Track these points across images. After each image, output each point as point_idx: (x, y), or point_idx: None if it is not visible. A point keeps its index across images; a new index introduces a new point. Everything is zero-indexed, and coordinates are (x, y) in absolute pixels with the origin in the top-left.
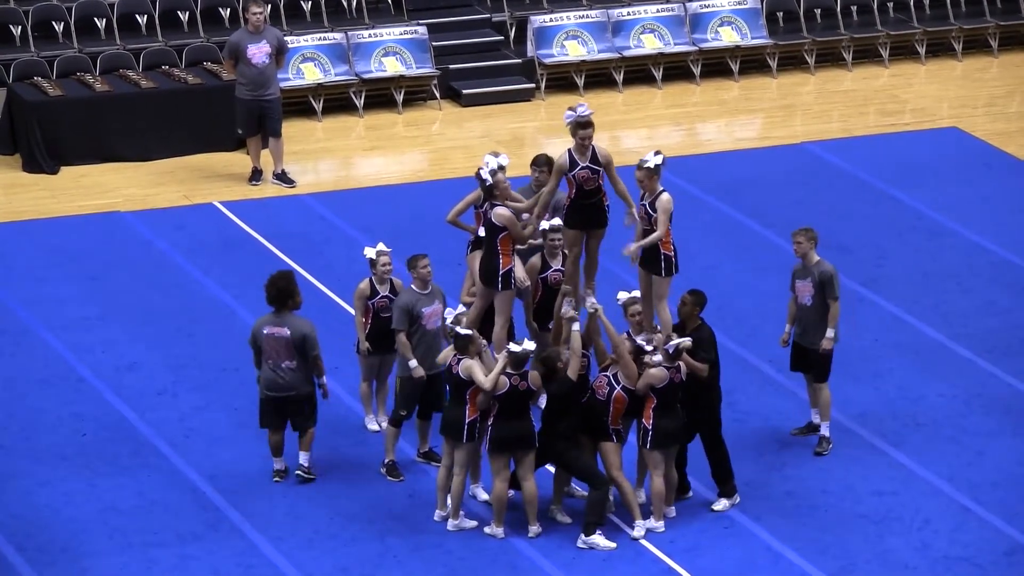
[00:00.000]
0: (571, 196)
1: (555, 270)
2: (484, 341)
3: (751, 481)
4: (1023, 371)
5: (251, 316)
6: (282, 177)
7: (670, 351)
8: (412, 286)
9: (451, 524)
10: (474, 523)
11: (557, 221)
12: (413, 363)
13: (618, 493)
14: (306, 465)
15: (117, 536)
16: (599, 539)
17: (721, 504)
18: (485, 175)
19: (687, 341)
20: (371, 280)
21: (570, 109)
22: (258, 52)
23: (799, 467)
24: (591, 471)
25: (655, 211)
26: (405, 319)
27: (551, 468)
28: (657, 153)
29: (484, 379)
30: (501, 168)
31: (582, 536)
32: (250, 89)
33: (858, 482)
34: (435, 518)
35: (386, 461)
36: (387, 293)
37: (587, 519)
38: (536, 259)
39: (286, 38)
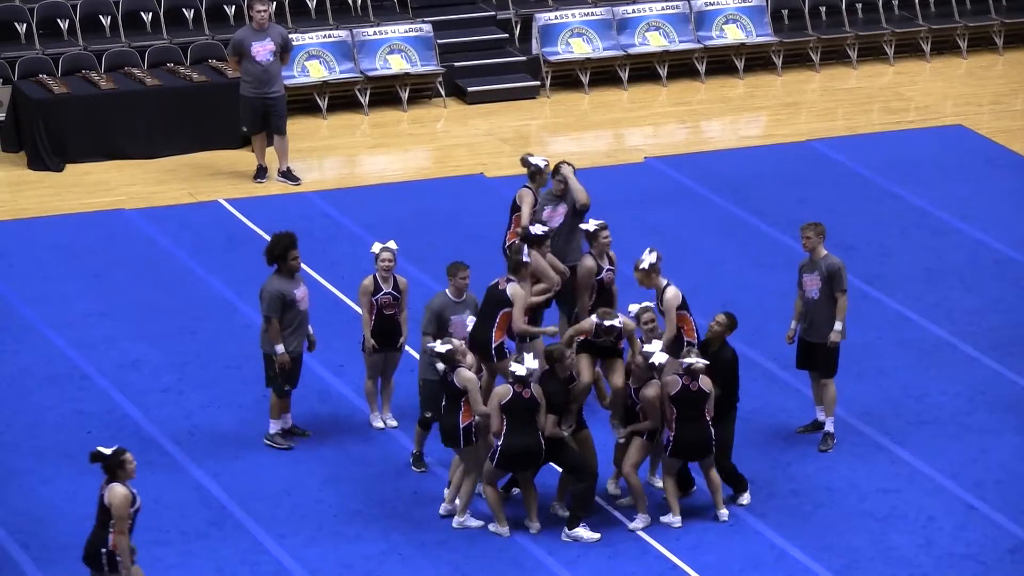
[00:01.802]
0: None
1: (608, 269)
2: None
3: (756, 479)
4: None
5: (255, 314)
6: (287, 175)
7: (683, 366)
8: (448, 292)
9: (456, 521)
10: (479, 523)
11: (600, 221)
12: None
13: (626, 486)
14: (270, 431)
15: None
16: (583, 531)
17: (744, 498)
18: (538, 161)
19: (700, 363)
20: (375, 277)
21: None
22: (262, 50)
23: (804, 464)
24: (578, 463)
25: None
26: (434, 322)
27: (556, 466)
28: (651, 251)
29: (481, 407)
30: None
31: (565, 529)
32: (254, 87)
33: (862, 479)
34: (440, 511)
35: (413, 452)
36: (390, 290)
37: (572, 511)
38: (592, 262)
39: (291, 35)
